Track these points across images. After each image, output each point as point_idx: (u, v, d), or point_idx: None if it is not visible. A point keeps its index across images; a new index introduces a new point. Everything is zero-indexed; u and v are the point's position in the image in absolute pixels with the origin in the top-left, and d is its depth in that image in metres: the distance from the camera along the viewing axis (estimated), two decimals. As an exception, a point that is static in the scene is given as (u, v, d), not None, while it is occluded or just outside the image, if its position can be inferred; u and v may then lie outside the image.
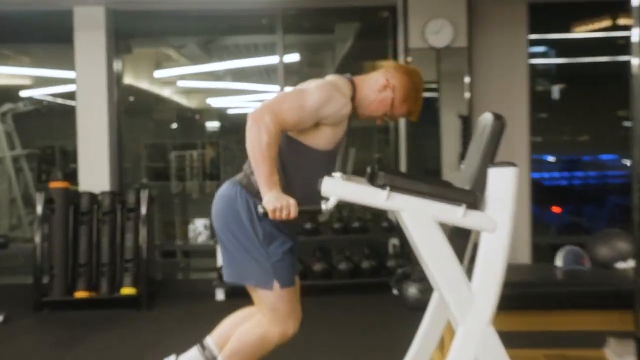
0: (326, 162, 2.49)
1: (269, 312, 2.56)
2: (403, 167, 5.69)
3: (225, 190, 2.59)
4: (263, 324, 2.58)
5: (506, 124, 2.34)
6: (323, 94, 2.42)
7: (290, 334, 2.60)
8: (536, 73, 6.46)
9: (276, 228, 2.52)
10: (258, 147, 2.32)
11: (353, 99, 2.54)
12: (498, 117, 2.35)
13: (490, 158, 2.32)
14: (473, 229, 2.31)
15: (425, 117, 5.62)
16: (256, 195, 2.45)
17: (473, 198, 2.22)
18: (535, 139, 6.29)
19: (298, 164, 2.50)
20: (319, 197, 2.27)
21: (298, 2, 5.88)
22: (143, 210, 5.33)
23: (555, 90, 6.80)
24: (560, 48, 6.68)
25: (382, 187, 2.23)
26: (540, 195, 6.49)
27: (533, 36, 6.00)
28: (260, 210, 2.32)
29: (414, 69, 2.68)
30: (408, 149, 5.52)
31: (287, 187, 2.43)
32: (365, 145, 6.87)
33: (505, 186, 2.23)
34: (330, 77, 2.58)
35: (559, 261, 3.70)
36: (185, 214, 6.89)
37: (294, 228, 2.64)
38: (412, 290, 3.51)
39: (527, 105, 5.79)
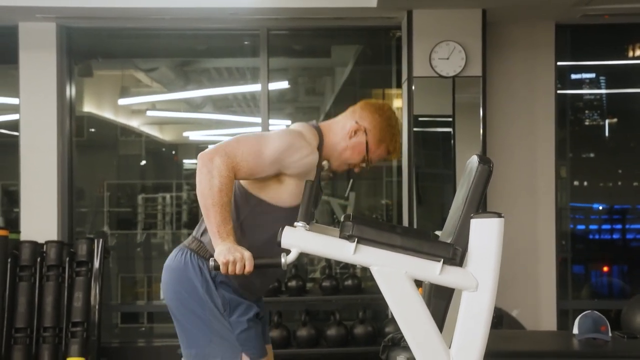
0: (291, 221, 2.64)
1: None
2: (405, 215, 5.82)
3: (172, 260, 2.74)
4: None
5: (493, 168, 2.51)
6: (284, 141, 2.61)
7: None
8: (584, 105, 6.60)
9: (237, 294, 2.67)
10: (209, 193, 2.49)
11: (320, 148, 2.73)
12: (484, 161, 2.51)
13: (474, 207, 2.48)
14: (451, 287, 2.46)
15: (437, 156, 5.80)
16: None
17: (451, 252, 2.37)
18: (580, 184, 6.41)
19: (258, 224, 2.66)
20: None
21: (284, 21, 6.07)
22: (96, 264, 5.48)
23: (606, 126, 6.86)
24: (612, 76, 6.75)
25: (349, 238, 2.39)
26: (585, 251, 6.60)
27: (572, 62, 6.27)
28: (211, 263, 2.48)
29: (383, 103, 2.88)
30: (410, 194, 5.64)
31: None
32: (373, 190, 7.01)
33: (488, 239, 2.38)
34: (295, 125, 2.79)
35: (575, 328, 3.84)
36: (154, 269, 6.98)
37: (259, 290, 2.79)
38: (401, 359, 3.63)
39: (553, 143, 5.97)
